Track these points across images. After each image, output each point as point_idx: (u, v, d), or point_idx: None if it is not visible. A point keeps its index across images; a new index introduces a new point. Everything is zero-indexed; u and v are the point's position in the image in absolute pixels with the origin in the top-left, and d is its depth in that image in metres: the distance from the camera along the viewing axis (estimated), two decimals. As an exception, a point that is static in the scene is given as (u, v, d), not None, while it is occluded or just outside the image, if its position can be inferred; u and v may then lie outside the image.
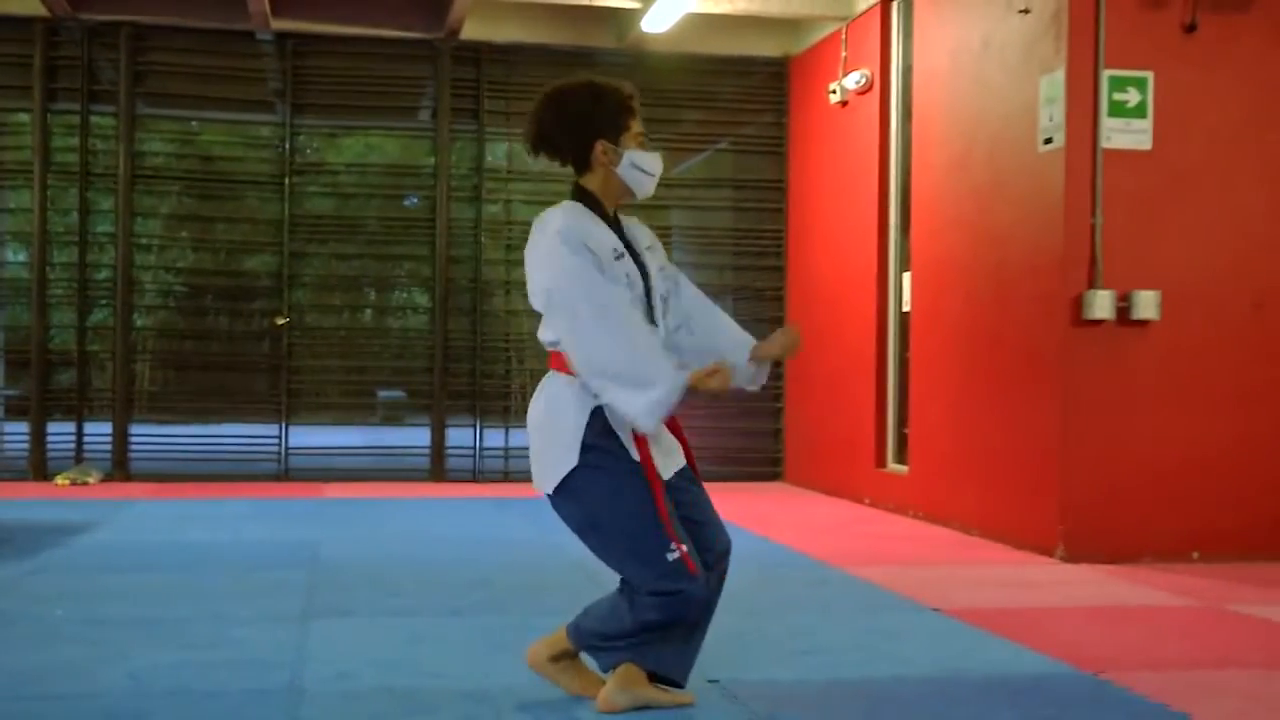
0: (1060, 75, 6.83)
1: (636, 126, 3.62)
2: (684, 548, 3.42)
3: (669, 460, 3.60)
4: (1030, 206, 7.13)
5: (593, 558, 3.39)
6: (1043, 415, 6.93)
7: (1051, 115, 6.90)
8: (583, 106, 3.58)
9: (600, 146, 3.56)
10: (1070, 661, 4.37)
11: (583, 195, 3.62)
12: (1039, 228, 7.03)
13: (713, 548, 3.60)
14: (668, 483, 3.55)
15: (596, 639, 3.59)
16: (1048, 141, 6.94)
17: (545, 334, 3.55)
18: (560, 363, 3.52)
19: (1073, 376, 6.77)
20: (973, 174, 7.81)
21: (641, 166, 3.61)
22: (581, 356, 3.41)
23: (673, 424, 3.65)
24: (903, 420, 8.95)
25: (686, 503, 3.59)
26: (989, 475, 7.52)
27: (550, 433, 3.52)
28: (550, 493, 3.53)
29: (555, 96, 3.61)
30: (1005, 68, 7.42)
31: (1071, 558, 6.68)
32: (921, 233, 8.51)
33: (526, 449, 3.64)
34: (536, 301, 3.53)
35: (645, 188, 3.64)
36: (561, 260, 3.44)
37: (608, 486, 3.44)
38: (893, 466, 9.08)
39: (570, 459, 3.46)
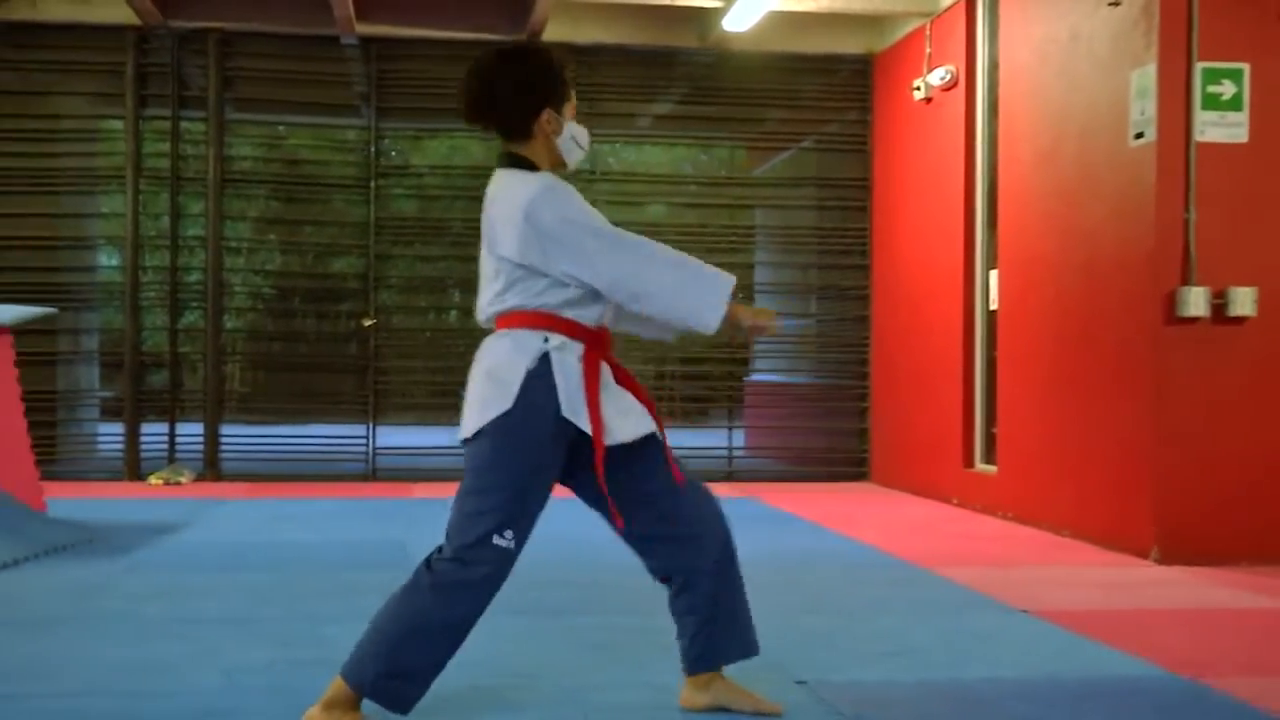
0: (1152, 68, 6.70)
1: (573, 98, 3.55)
2: (514, 544, 3.35)
3: (628, 422, 3.45)
4: (1121, 202, 7.00)
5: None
6: (1135, 414, 6.81)
7: (1143, 109, 6.78)
8: (538, 72, 3.45)
9: (547, 114, 3.46)
10: (1166, 665, 4.28)
11: (522, 163, 3.46)
12: (1130, 224, 6.90)
13: (675, 516, 3.53)
14: (631, 446, 3.46)
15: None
16: (1139, 136, 6.81)
17: (509, 297, 3.40)
18: (516, 320, 3.41)
19: (1166, 375, 6.64)
20: (1061, 170, 7.70)
21: (578, 140, 3.53)
22: (636, 276, 3.34)
23: (631, 383, 3.54)
24: (990, 419, 8.84)
25: (648, 472, 3.51)
26: (1080, 475, 7.40)
27: (493, 380, 3.37)
28: (471, 435, 3.39)
29: (512, 57, 3.47)
30: (1094, 61, 7.30)
31: (1166, 560, 6.55)
32: (1009, 230, 8.40)
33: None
34: (531, 249, 3.33)
35: (575, 158, 3.56)
36: (580, 203, 3.40)
37: (510, 445, 3.35)
38: (981, 466, 8.98)
39: (504, 404, 3.33)
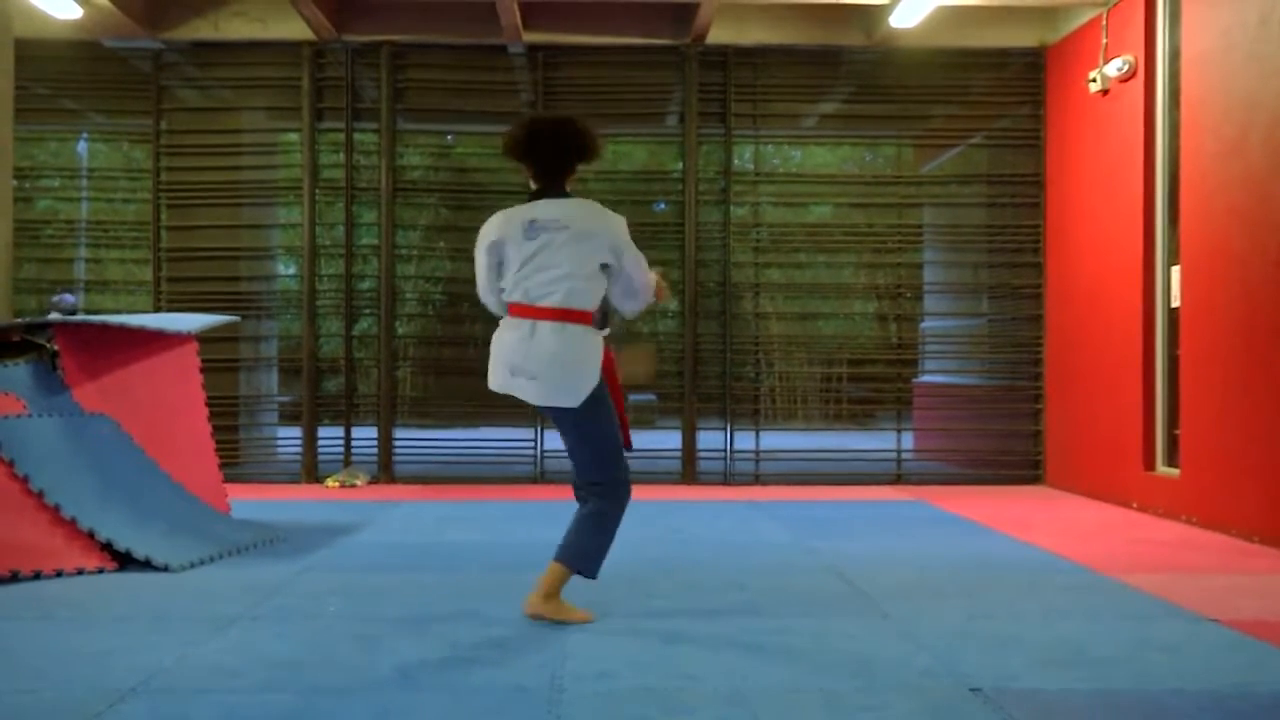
0: (1345, 51, 6.39)
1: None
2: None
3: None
4: (1313, 192, 6.69)
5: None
6: (1330, 414, 6.49)
7: (1336, 94, 6.46)
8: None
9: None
10: (1369, 678, 4.06)
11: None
12: (1323, 214, 6.59)
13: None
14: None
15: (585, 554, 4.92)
16: (1332, 122, 6.50)
17: (582, 297, 4.80)
18: (579, 317, 4.78)
19: (1364, 373, 6.32)
20: (1249, 159, 7.38)
21: None
22: (645, 286, 4.93)
23: None
24: (1173, 420, 8.53)
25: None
26: (1271, 478, 7.08)
27: (578, 362, 4.75)
28: (577, 405, 4.74)
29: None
30: (1283, 46, 6.99)
31: (1365, 567, 6.23)
32: (1192, 224, 8.09)
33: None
34: (610, 257, 4.82)
35: None
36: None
37: (607, 406, 4.84)
38: (1163, 469, 8.66)
39: (594, 381, 4.75)
